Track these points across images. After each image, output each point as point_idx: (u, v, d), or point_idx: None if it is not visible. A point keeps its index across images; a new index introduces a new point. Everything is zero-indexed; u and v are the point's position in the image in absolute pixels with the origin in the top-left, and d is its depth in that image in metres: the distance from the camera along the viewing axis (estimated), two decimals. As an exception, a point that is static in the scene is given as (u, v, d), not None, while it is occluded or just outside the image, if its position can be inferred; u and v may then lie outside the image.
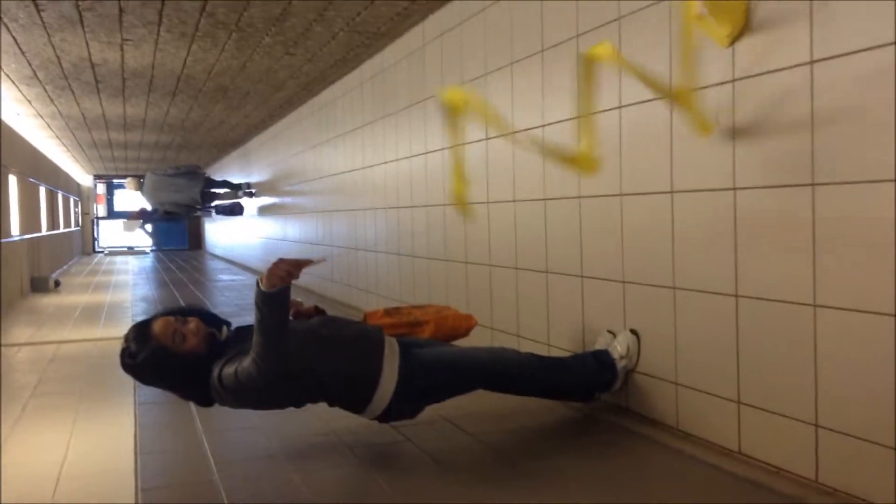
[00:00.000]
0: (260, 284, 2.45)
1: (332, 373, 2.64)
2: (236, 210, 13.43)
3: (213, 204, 13.78)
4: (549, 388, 3.08)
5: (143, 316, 3.16)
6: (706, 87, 2.62)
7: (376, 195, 6.23)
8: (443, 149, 4.83)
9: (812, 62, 2.25)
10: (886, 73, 2.03)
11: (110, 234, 23.14)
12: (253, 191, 12.67)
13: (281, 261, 2.45)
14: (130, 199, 19.80)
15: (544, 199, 3.72)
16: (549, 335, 3.71)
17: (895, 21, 2.00)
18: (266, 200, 11.74)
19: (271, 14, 4.83)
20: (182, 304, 7.90)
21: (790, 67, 2.33)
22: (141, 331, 2.70)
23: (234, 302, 8.37)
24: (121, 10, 4.70)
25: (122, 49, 5.76)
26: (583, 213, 3.42)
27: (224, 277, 11.99)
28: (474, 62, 4.36)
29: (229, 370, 2.56)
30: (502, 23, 4.03)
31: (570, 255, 3.52)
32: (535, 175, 3.77)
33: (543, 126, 3.67)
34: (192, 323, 2.71)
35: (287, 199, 10.11)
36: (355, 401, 2.73)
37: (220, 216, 14.90)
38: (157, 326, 2.68)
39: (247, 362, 2.49)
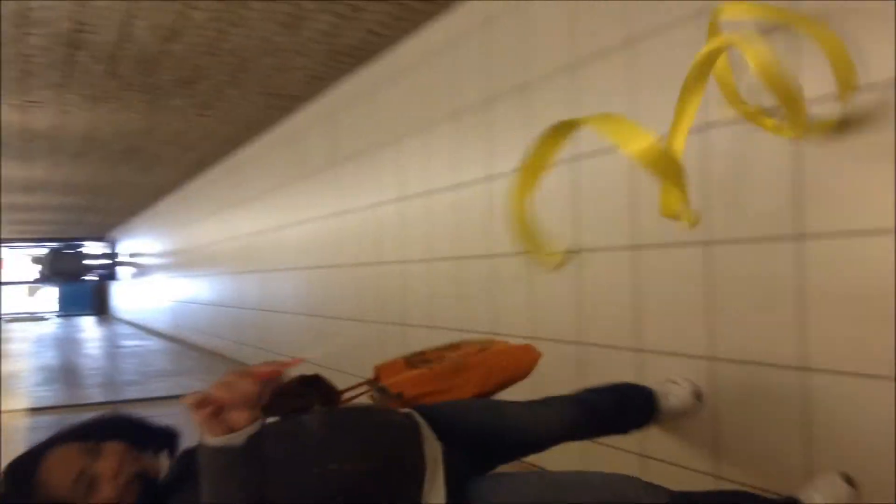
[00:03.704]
0: (203, 438, 1.29)
1: None
2: (112, 276, 17.45)
3: (92, 271, 18.47)
4: None
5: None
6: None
7: (289, 256, 6.17)
8: (355, 209, 4.84)
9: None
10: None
11: (11, 300, 22.07)
12: (115, 262, 17.24)
13: (219, 387, 1.28)
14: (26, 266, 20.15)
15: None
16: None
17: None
18: (174, 262, 11.46)
19: (182, 77, 4.80)
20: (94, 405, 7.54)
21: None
22: (23, 471, 1.51)
23: (139, 369, 8.07)
24: (24, 73, 4.59)
25: (25, 111, 5.60)
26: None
27: (129, 343, 11.56)
28: (388, 124, 4.42)
29: None
30: (416, 87, 4.11)
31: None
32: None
33: (457, 186, 3.73)
34: (111, 457, 1.52)
35: (197, 261, 9.89)
36: None
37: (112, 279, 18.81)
38: (50, 465, 1.51)
39: None
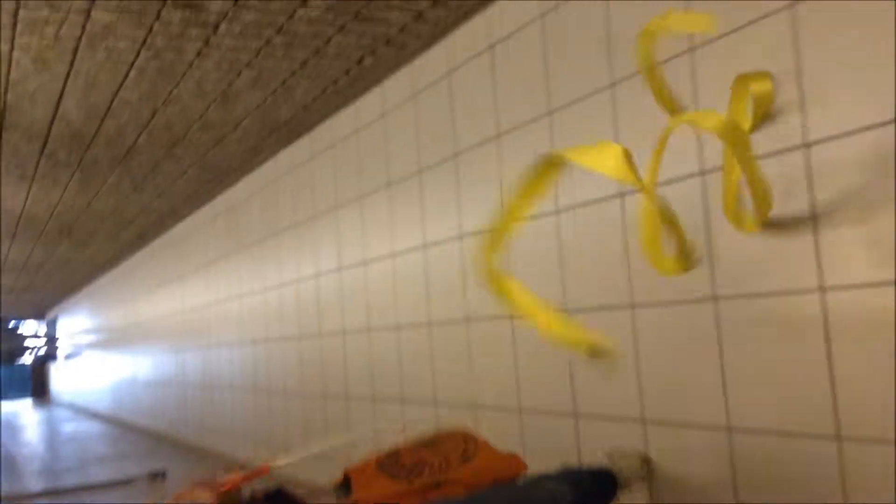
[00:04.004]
0: None
1: None
2: (51, 356, 17.38)
3: (30, 353, 18.87)
4: None
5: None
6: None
7: (231, 330, 6.08)
8: (295, 280, 4.82)
9: (621, 194, 2.46)
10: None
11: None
12: (54, 342, 17.07)
13: None
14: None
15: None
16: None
17: None
18: (114, 340, 11.18)
19: (116, 154, 4.77)
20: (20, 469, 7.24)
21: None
22: None
23: (78, 455, 7.77)
24: (-49, 152, 4.52)
25: (-47, 191, 5.49)
26: (433, 340, 3.48)
27: (68, 428, 11.15)
28: (325, 195, 4.45)
29: None
30: (350, 158, 4.17)
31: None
32: (389, 301, 3.83)
33: (394, 256, 3.76)
34: None
35: (137, 338, 9.66)
36: None
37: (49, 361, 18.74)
38: None
39: None
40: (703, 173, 2.21)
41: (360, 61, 3.57)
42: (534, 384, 2.87)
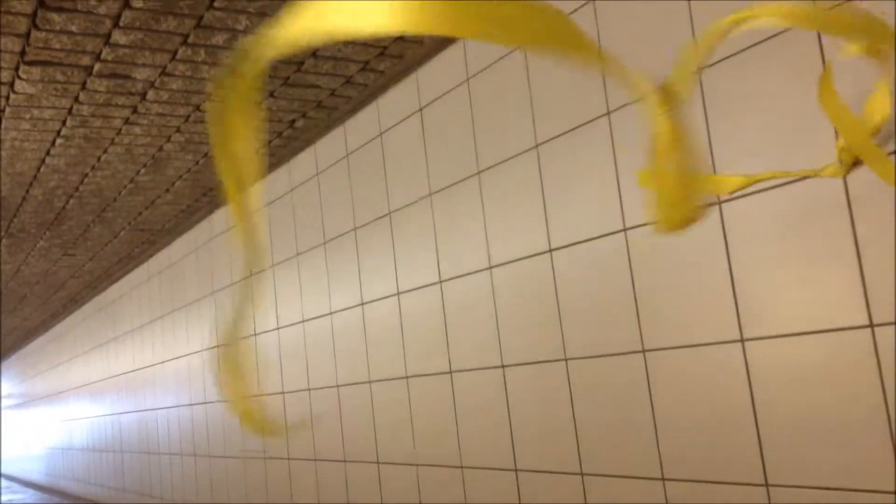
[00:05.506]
0: None
1: None
2: None
3: None
4: None
5: None
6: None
7: (168, 393, 5.95)
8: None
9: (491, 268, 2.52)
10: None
11: None
12: None
13: None
14: None
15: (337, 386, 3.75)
16: (353, 527, 3.63)
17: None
18: (48, 405, 10.80)
19: (44, 219, 4.69)
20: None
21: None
22: None
23: (11, 527, 7.45)
24: None
25: None
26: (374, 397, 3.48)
27: (1, 499, 10.67)
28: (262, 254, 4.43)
29: None
30: (285, 218, 4.17)
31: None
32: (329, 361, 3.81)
33: (331, 314, 3.75)
34: None
35: (72, 402, 9.36)
36: None
37: None
38: None
39: None
40: (625, 230, 2.29)
41: (291, 123, 3.60)
42: (475, 440, 2.88)
